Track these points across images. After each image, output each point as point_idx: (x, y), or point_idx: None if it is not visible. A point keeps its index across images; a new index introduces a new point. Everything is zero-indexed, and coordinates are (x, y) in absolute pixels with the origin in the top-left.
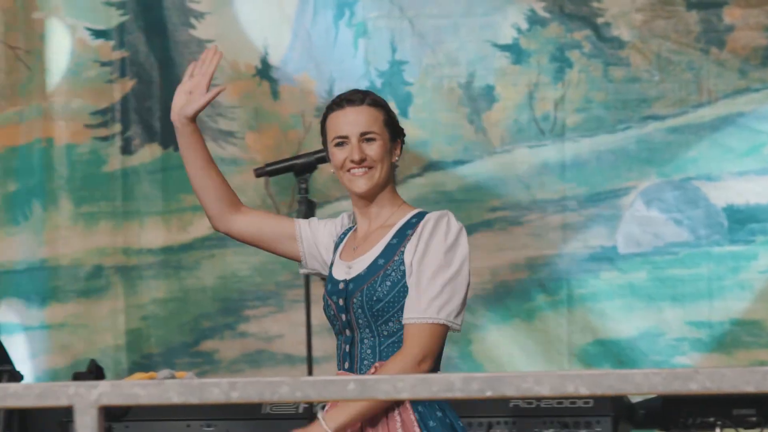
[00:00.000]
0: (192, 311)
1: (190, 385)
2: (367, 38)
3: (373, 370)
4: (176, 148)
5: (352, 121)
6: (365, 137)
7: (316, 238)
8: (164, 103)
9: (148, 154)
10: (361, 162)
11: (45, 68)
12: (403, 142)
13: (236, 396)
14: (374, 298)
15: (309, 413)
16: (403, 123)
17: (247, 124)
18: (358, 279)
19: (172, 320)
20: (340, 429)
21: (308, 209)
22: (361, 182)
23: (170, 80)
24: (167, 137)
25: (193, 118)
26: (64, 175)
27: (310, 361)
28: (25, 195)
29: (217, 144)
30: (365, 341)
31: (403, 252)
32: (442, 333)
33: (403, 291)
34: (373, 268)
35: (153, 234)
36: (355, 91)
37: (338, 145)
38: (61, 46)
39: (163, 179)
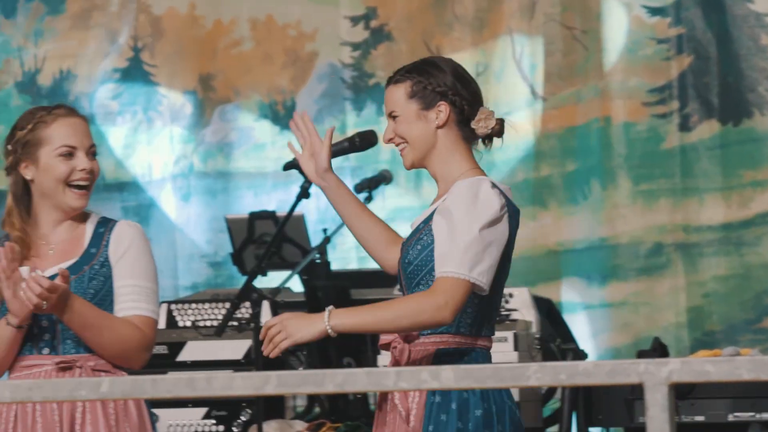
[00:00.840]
0: (754, 287)
1: (761, 362)
2: None
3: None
4: (735, 124)
5: (384, 102)
6: (392, 116)
7: None
8: (722, 79)
9: (707, 130)
10: (389, 141)
11: (602, 47)
12: (453, 102)
13: None
14: (406, 261)
15: None
16: None
17: None
18: (404, 243)
19: (733, 297)
20: (338, 330)
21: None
22: (403, 160)
23: (728, 56)
24: (726, 113)
25: (330, 169)
26: (622, 154)
27: None
28: (584, 174)
29: None
30: None
31: (433, 214)
32: (468, 290)
33: (431, 254)
34: (414, 233)
35: (713, 210)
36: (397, 69)
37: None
38: (618, 25)
39: (722, 155)
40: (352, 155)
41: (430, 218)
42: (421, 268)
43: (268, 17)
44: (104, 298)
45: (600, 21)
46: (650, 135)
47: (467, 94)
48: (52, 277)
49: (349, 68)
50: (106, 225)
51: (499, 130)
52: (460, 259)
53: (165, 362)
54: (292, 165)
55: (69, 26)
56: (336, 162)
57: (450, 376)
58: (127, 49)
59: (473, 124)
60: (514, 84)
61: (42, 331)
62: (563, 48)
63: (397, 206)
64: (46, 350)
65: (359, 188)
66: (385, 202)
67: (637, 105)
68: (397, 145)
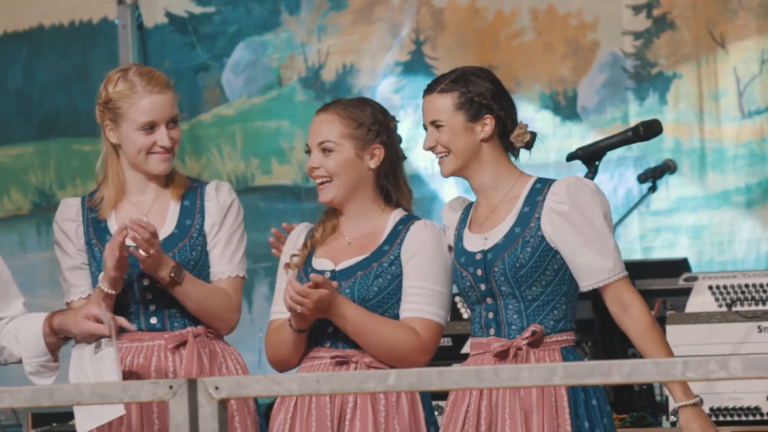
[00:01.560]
0: None
1: None
2: None
3: (529, 333)
4: None
5: (425, 110)
6: (435, 124)
7: None
8: None
9: None
10: (429, 149)
11: None
12: (497, 116)
13: None
14: (517, 265)
15: None
16: None
17: None
18: (497, 248)
19: None
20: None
21: None
22: (442, 168)
23: None
24: None
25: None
26: None
27: None
28: None
29: None
30: (510, 307)
31: (539, 218)
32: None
33: (545, 256)
34: (511, 236)
35: None
36: (438, 78)
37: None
38: None
39: None
40: (634, 145)
41: (527, 220)
42: (536, 270)
43: (549, 7)
44: (392, 295)
45: None
46: None
47: (509, 107)
48: (339, 272)
49: (631, 57)
50: (405, 223)
51: (531, 142)
52: (616, 258)
53: (449, 354)
54: (575, 156)
55: (351, 21)
56: (618, 152)
57: (738, 366)
58: (409, 42)
59: (512, 138)
60: None
61: (325, 324)
62: None
63: (681, 196)
64: (327, 344)
65: (643, 178)
66: (669, 192)
67: None
68: (437, 153)
